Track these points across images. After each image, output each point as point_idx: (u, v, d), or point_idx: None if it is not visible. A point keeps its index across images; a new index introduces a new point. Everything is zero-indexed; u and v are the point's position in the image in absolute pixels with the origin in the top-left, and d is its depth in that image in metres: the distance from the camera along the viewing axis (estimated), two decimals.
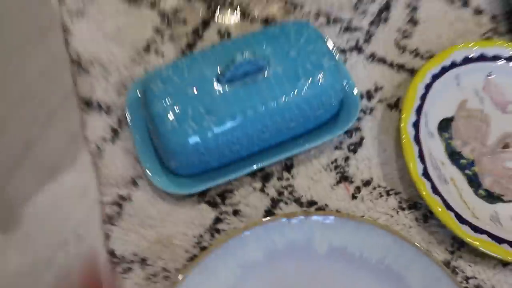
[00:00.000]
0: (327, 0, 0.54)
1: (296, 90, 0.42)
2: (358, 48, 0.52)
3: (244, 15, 0.53)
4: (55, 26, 0.51)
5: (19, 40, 0.49)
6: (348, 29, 0.53)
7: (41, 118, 0.47)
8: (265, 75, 0.41)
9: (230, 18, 0.52)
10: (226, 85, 0.41)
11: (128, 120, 0.45)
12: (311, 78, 0.42)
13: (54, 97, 0.47)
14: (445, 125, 0.49)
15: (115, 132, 0.47)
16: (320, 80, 0.42)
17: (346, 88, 0.47)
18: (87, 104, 0.47)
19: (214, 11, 0.52)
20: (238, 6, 0.53)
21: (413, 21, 0.54)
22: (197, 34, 0.52)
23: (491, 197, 0.46)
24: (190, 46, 0.51)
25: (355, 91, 0.47)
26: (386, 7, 0.54)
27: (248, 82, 0.41)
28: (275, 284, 0.42)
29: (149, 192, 0.45)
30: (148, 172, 0.43)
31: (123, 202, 0.44)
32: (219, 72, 0.41)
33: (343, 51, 0.52)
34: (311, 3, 0.54)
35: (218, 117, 0.40)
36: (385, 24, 0.54)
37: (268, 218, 0.42)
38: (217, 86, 0.41)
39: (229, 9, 0.53)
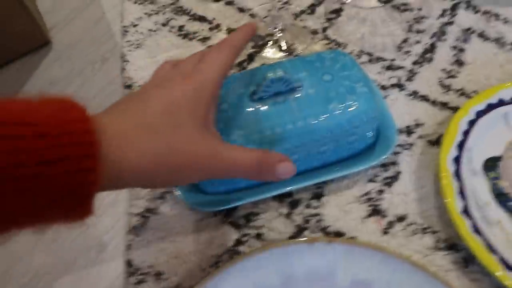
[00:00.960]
0: (371, 41, 0.52)
1: (326, 112, 0.39)
2: (399, 85, 0.49)
3: (288, 52, 0.52)
4: (115, 55, 0.54)
5: (83, 64, 0.53)
6: (390, 67, 0.50)
7: None
8: (297, 96, 0.40)
9: (275, 54, 0.52)
10: (258, 103, 0.39)
11: None
12: (343, 102, 0.40)
13: None
14: (491, 165, 0.43)
15: None
16: (352, 104, 0.40)
17: (383, 120, 0.44)
18: None
19: (261, 48, 0.53)
20: (284, 44, 0.53)
21: (459, 62, 0.50)
22: (242, 67, 0.52)
23: None
24: None
25: (393, 125, 0.44)
26: (431, 49, 0.52)
27: (279, 102, 0.39)
28: None
29: (176, 208, 0.43)
30: (177, 187, 0.42)
31: (149, 214, 0.43)
32: (252, 90, 0.40)
33: (383, 87, 0.49)
34: (355, 43, 0.52)
35: (246, 132, 0.38)
36: (430, 64, 0.50)
37: (288, 240, 0.38)
38: (249, 104, 0.40)
39: (275, 47, 0.53)
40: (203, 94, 0.32)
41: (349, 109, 0.40)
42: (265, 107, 0.39)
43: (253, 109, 0.39)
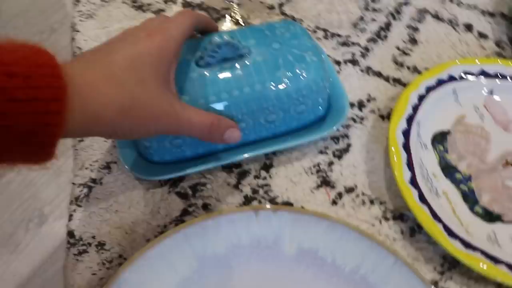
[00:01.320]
0: (327, 17, 0.52)
1: (274, 79, 0.38)
2: (353, 61, 0.49)
3: (244, 26, 0.51)
4: (65, 25, 0.51)
5: (31, 34, 0.50)
6: (345, 43, 0.50)
7: None
8: (244, 62, 0.39)
9: (230, 28, 0.51)
10: (204, 69, 0.38)
11: None
12: (291, 70, 0.39)
13: None
14: (440, 138, 0.43)
15: None
16: (301, 72, 0.39)
17: (335, 93, 0.43)
18: None
19: (217, 21, 0.51)
20: (240, 18, 0.51)
21: (413, 41, 0.50)
22: None
23: (489, 216, 0.39)
24: None
25: (345, 97, 0.43)
26: (387, 27, 0.51)
27: (226, 68, 0.38)
28: (235, 284, 0.36)
29: (121, 178, 0.41)
30: (121, 155, 0.40)
31: (93, 184, 0.41)
32: (199, 56, 0.39)
33: (337, 63, 0.48)
34: (311, 19, 0.52)
35: (192, 97, 0.37)
36: (384, 41, 0.50)
37: (233, 208, 0.37)
38: (195, 69, 0.38)
39: (231, 21, 0.51)
40: (166, 52, 0.33)
41: (297, 77, 0.39)
42: (211, 73, 0.38)
43: (199, 74, 0.38)
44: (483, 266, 0.35)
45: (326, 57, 0.46)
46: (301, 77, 0.39)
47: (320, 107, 0.42)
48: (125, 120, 0.30)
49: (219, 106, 0.37)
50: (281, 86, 0.38)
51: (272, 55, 0.39)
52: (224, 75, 0.38)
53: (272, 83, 0.38)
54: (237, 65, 0.38)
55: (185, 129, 0.34)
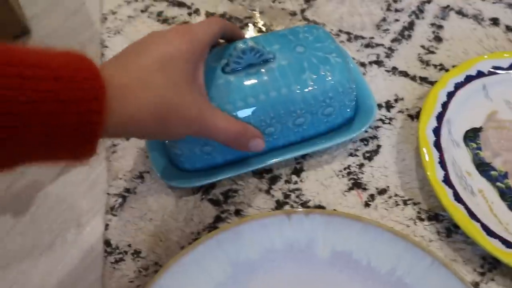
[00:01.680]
0: (350, 20, 0.52)
1: (300, 82, 0.38)
2: (378, 62, 0.48)
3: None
4: (94, 42, 0.52)
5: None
6: (369, 45, 0.49)
7: None
8: (270, 67, 0.39)
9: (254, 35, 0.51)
10: (230, 75, 0.38)
11: None
12: (316, 72, 0.38)
13: None
14: (472, 135, 0.42)
15: None
16: (326, 74, 0.38)
17: (362, 95, 0.43)
18: None
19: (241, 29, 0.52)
20: (262, 26, 0.52)
21: (438, 39, 0.49)
22: None
23: None
24: None
25: (372, 99, 0.43)
26: (410, 26, 0.51)
27: (252, 73, 0.38)
28: None
29: (154, 187, 0.41)
30: (154, 165, 0.41)
31: (127, 194, 0.41)
32: (224, 63, 0.39)
33: (362, 65, 0.48)
34: (333, 23, 0.51)
35: (219, 104, 0.37)
36: (408, 41, 0.49)
37: (265, 213, 0.37)
38: (222, 76, 0.38)
39: (253, 29, 0.52)
40: (194, 52, 0.34)
41: (322, 79, 0.38)
42: (237, 79, 0.38)
43: (225, 80, 0.38)
44: None
45: (350, 59, 0.45)
46: (326, 79, 0.38)
47: (347, 109, 0.41)
48: (156, 121, 0.30)
49: (247, 111, 0.37)
50: (307, 89, 0.38)
51: (296, 59, 0.39)
52: (250, 80, 0.38)
53: (298, 86, 0.38)
54: (262, 70, 0.38)
55: (212, 134, 0.34)
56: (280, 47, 0.39)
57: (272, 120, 0.38)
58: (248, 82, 0.38)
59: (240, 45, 0.37)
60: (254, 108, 0.37)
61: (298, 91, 0.38)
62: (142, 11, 0.55)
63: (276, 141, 0.40)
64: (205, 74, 0.38)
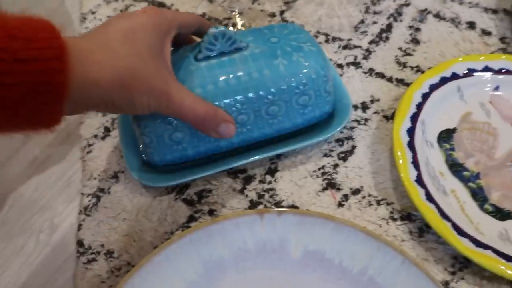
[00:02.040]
0: (328, 22, 0.52)
1: (271, 66, 0.38)
2: (355, 64, 0.48)
3: None
4: None
5: None
6: (347, 47, 0.50)
7: None
8: (242, 54, 0.38)
9: None
10: (202, 62, 0.38)
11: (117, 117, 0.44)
12: (289, 58, 0.38)
13: None
14: (446, 136, 0.42)
15: (107, 130, 0.45)
16: (298, 59, 0.38)
17: (339, 96, 0.43)
18: None
19: None
20: (242, 27, 0.52)
21: (415, 41, 0.50)
22: None
23: (500, 213, 0.38)
24: None
25: (348, 99, 0.43)
26: (388, 29, 0.51)
27: (224, 60, 0.38)
28: None
29: (128, 187, 0.41)
30: (128, 163, 0.41)
31: (101, 194, 0.41)
32: (197, 51, 0.39)
33: (340, 66, 0.48)
34: (312, 24, 0.52)
35: (189, 87, 0.36)
36: (386, 43, 0.50)
37: (238, 212, 0.37)
38: (194, 63, 0.38)
39: (234, 29, 0.52)
40: (159, 28, 0.34)
41: (295, 64, 0.38)
42: (208, 64, 0.38)
43: (196, 67, 0.38)
44: (495, 264, 0.34)
45: (328, 61, 0.45)
46: (299, 64, 0.38)
47: (324, 101, 0.41)
48: (121, 89, 0.30)
49: (216, 95, 0.37)
50: (279, 73, 0.38)
51: (270, 47, 0.39)
52: (221, 65, 0.38)
53: (268, 70, 0.38)
54: (234, 57, 0.38)
55: (178, 111, 0.34)
56: (254, 38, 0.40)
57: (244, 105, 0.38)
58: (219, 67, 0.38)
59: (212, 30, 0.37)
60: (224, 91, 0.37)
61: (269, 75, 0.38)
62: (121, 11, 0.55)
63: (251, 133, 0.40)
64: (178, 64, 0.38)
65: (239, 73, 0.37)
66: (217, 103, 0.37)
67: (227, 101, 0.37)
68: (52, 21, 0.27)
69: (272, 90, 0.38)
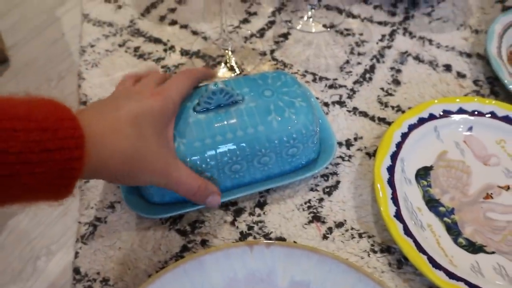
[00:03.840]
0: (315, 62, 0.56)
1: (265, 123, 0.41)
2: (341, 103, 0.52)
3: (238, 72, 0.55)
4: (72, 73, 0.55)
5: (40, 81, 0.54)
6: (332, 86, 0.54)
7: None
8: (238, 108, 0.42)
9: (225, 74, 0.55)
10: (201, 114, 0.42)
11: None
12: (281, 114, 0.42)
13: None
14: (423, 173, 0.46)
15: None
16: (290, 116, 0.42)
17: (324, 134, 0.47)
18: None
19: (213, 68, 0.55)
20: (234, 64, 0.55)
21: (396, 82, 0.54)
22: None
23: (472, 247, 0.42)
24: None
25: (333, 138, 0.46)
26: (371, 69, 0.55)
27: (221, 113, 0.42)
28: None
29: (124, 217, 0.44)
30: (124, 196, 0.43)
31: (98, 223, 0.44)
32: (196, 103, 0.42)
33: (326, 104, 0.52)
34: (300, 64, 0.56)
35: (189, 141, 0.40)
36: (369, 83, 0.54)
37: (229, 244, 0.40)
38: (192, 115, 0.41)
39: (226, 67, 0.55)
40: (166, 112, 0.38)
41: (287, 121, 0.42)
42: (207, 118, 0.41)
43: (196, 119, 0.41)
44: None
45: (315, 100, 0.49)
46: (291, 120, 0.42)
47: (311, 151, 0.45)
48: (126, 168, 0.34)
49: (214, 149, 0.40)
50: (272, 129, 0.42)
51: (264, 102, 0.42)
52: (219, 119, 0.41)
53: (263, 126, 0.41)
54: (231, 110, 0.42)
55: (175, 187, 0.38)
56: (249, 90, 0.43)
57: (239, 157, 0.41)
58: (216, 121, 0.41)
59: (211, 86, 0.40)
60: (221, 146, 0.40)
61: (263, 131, 0.41)
62: (119, 45, 0.58)
63: (243, 178, 0.43)
64: (178, 114, 0.41)
65: (235, 128, 0.41)
66: (213, 153, 0.40)
67: (223, 152, 0.40)
68: (68, 107, 0.30)
69: (265, 144, 0.41)
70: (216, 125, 0.41)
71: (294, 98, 0.43)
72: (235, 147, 0.41)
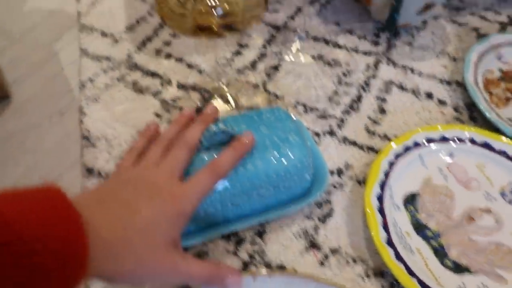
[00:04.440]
0: (306, 93, 0.59)
1: (263, 160, 0.44)
2: (331, 132, 0.55)
3: (233, 104, 0.58)
4: (72, 108, 0.57)
5: (41, 117, 0.55)
6: (322, 116, 0.57)
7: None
8: None
9: (221, 107, 0.57)
10: (203, 153, 0.44)
11: None
12: (278, 150, 0.45)
13: (61, 166, 0.52)
14: (411, 199, 0.49)
15: None
16: (286, 153, 0.45)
17: (317, 163, 0.49)
18: (89, 171, 0.51)
19: (208, 101, 0.58)
20: (229, 96, 0.58)
21: (382, 110, 0.58)
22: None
23: (458, 268, 0.45)
24: None
25: (325, 167, 0.49)
26: (358, 99, 0.59)
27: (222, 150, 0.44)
28: None
29: None
30: None
31: None
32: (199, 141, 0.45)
33: (317, 134, 0.55)
34: (292, 95, 0.59)
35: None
36: (357, 112, 0.57)
37: None
38: (196, 153, 0.44)
39: (221, 100, 0.58)
40: (181, 219, 0.38)
41: (283, 157, 0.45)
42: (209, 156, 0.44)
43: (199, 158, 0.44)
44: None
45: (307, 132, 0.52)
46: (286, 155, 0.45)
47: (306, 181, 0.47)
48: (133, 278, 0.36)
49: (217, 185, 0.43)
50: (269, 165, 0.44)
51: (260, 138, 0.45)
52: None
53: (261, 162, 0.44)
54: None
55: (187, 280, 0.40)
56: (246, 126, 0.46)
57: (240, 192, 0.44)
58: None
59: (212, 127, 0.43)
60: (223, 181, 0.43)
61: (262, 167, 0.44)
62: (118, 79, 0.60)
63: (243, 210, 0.46)
64: None
65: (237, 166, 0.43)
66: (217, 192, 0.43)
67: (226, 187, 0.43)
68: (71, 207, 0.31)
69: (264, 178, 0.44)
70: None
71: (287, 133, 0.46)
72: (236, 182, 0.43)
